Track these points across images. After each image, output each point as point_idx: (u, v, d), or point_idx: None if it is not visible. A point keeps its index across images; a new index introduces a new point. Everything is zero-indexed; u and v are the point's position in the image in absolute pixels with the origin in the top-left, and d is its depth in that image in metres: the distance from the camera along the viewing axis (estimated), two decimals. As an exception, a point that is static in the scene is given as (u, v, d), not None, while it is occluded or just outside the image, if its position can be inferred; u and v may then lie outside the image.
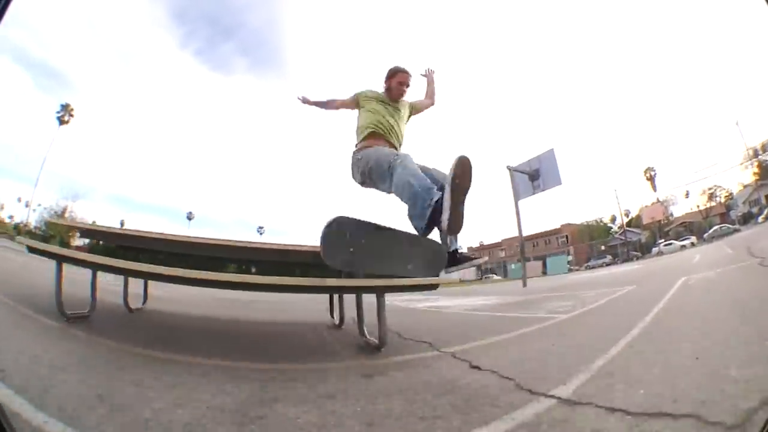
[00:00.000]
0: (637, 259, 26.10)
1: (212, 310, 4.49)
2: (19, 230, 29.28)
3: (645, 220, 31.51)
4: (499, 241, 44.88)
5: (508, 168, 11.93)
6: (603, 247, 32.07)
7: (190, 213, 39.31)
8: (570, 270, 28.66)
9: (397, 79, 2.96)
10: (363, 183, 2.79)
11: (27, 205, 30.44)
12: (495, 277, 35.58)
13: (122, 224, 32.78)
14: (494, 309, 5.48)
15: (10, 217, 31.31)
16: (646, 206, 33.01)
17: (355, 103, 2.96)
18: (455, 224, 1.99)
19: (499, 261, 41.63)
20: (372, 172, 2.57)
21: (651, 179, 33.78)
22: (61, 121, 33.56)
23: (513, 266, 34.12)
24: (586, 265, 29.57)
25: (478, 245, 46.21)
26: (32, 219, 30.46)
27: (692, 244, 21.99)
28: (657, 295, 4.16)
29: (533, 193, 12.94)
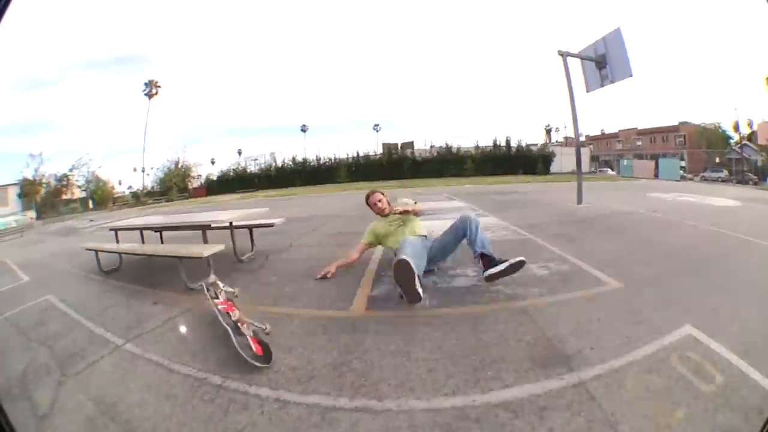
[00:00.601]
0: (754, 184, 21.08)
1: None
2: (137, 197, 36.76)
3: (761, 139, 24.19)
4: (616, 131, 42.24)
5: (561, 54, 10.09)
6: (718, 159, 26.51)
7: (304, 125, 42.96)
8: (683, 177, 24.62)
9: (371, 201, 3.66)
10: None
11: (143, 171, 37.49)
12: (610, 171, 33.17)
13: (240, 152, 38.16)
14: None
15: (129, 187, 39.23)
16: (765, 122, 25.11)
17: (368, 243, 3.57)
18: (411, 299, 2.66)
19: (617, 153, 39.09)
20: None
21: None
22: (150, 96, 38.57)
23: (625, 162, 30.98)
24: (702, 175, 25.31)
25: (600, 133, 43.84)
26: (147, 182, 37.56)
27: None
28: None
29: (601, 85, 10.91)
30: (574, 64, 11.14)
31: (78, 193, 34.04)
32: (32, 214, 26.80)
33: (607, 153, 42.77)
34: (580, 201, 8.64)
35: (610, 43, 9.99)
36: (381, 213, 3.64)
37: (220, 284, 2.55)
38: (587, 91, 11.20)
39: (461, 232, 3.08)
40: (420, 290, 2.63)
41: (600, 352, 2.08)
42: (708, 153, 27.64)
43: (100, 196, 35.33)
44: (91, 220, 18.72)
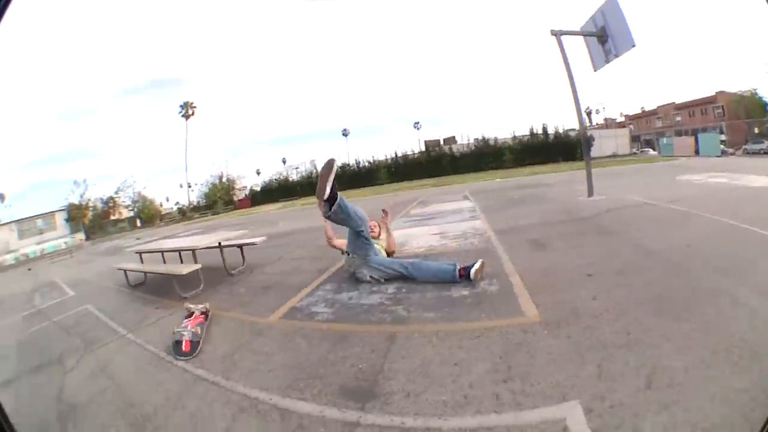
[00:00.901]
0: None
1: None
2: (183, 212, 39.76)
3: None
4: (655, 108, 41.31)
5: (554, 33, 9.84)
6: (757, 129, 24.30)
7: (345, 129, 44.79)
8: (724, 152, 22.79)
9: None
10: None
11: (189, 186, 40.81)
12: (651, 152, 31.86)
13: (284, 161, 40.16)
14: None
15: (177, 203, 42.55)
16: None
17: None
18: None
19: (657, 131, 37.97)
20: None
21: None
22: (186, 117, 41.64)
23: (665, 140, 29.61)
24: (744, 148, 23.52)
25: (639, 111, 43.35)
26: (193, 197, 40.70)
27: None
28: None
29: (607, 61, 10.60)
30: (578, 44, 10.83)
31: (126, 213, 37.67)
32: (81, 235, 30.07)
33: (648, 132, 40.58)
34: (590, 193, 8.11)
35: (607, 13, 9.63)
36: (374, 237, 4.24)
37: (192, 306, 3.48)
38: (594, 70, 10.88)
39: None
40: (328, 189, 3.33)
41: (413, 402, 1.81)
42: (748, 123, 25.67)
43: (147, 215, 38.76)
44: (138, 239, 20.77)
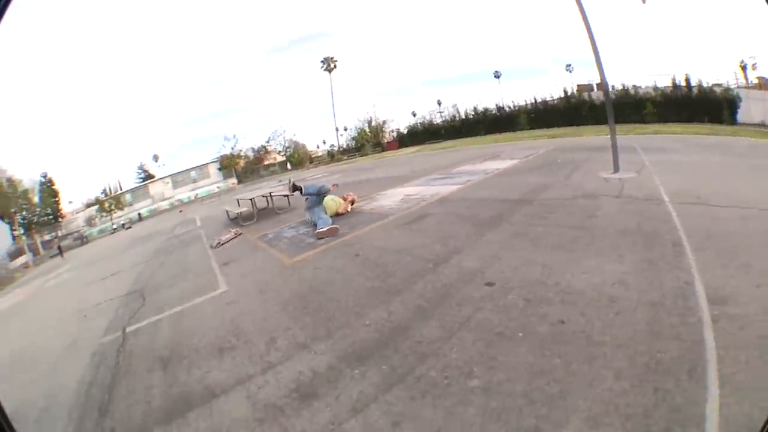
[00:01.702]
0: None
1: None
2: (331, 155, 46.69)
3: None
4: None
5: None
6: None
7: (497, 71, 46.23)
8: None
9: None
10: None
11: (337, 130, 48.03)
12: None
13: (439, 103, 44.20)
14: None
15: (332, 146, 49.75)
16: None
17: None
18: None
19: None
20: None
21: None
22: (329, 70, 47.37)
23: None
24: None
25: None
26: (342, 140, 48.01)
27: None
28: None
29: None
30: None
31: (279, 158, 46.45)
32: (234, 180, 39.34)
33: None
34: (616, 168, 7.00)
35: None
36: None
37: (234, 230, 7.44)
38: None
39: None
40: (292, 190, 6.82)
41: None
42: None
43: (297, 159, 47.08)
44: (280, 180, 27.16)
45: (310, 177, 19.63)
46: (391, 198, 8.12)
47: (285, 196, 9.20)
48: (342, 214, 7.11)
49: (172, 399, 2.52)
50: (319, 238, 5.71)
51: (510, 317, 2.54)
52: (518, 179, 7.87)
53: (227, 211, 10.33)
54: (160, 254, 8.49)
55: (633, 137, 13.92)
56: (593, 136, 15.66)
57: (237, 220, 9.22)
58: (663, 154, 9.23)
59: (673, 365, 1.85)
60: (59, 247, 21.66)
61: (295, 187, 6.56)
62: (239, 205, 10.44)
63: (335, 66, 47.31)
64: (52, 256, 21.61)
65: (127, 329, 4.07)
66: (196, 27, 67.44)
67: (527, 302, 2.72)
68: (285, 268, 4.75)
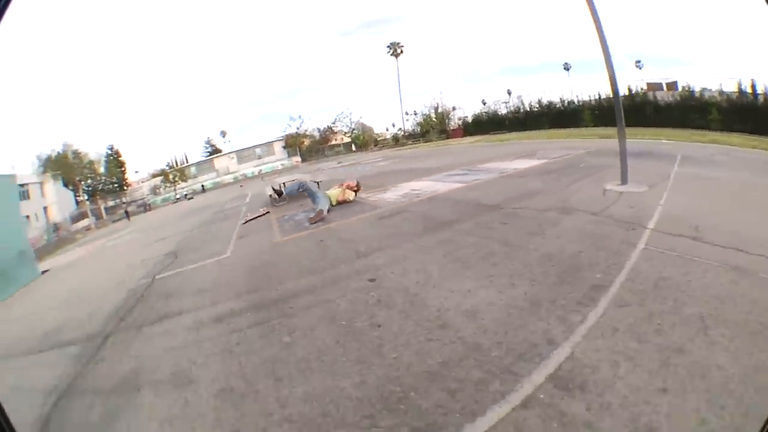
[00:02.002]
0: None
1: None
2: (396, 139, 47.98)
3: None
4: None
5: None
6: None
7: (567, 63, 44.95)
8: None
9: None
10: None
11: (406, 114, 49.42)
12: None
13: (509, 92, 44.16)
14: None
15: (400, 129, 51.08)
16: None
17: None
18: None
19: None
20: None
21: None
22: (395, 55, 48.06)
23: None
24: None
25: None
26: (408, 125, 49.07)
27: None
28: None
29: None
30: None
31: (345, 139, 48.62)
32: (298, 158, 41.87)
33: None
34: (624, 180, 6.75)
35: None
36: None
37: (263, 209, 9.09)
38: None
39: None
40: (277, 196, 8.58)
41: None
42: None
43: (362, 141, 49.02)
44: (339, 162, 28.96)
45: (327, 168, 21.61)
46: (397, 191, 9.18)
47: (274, 198, 10.62)
48: (343, 202, 8.39)
49: (161, 315, 4.17)
50: (312, 223, 7.10)
51: (355, 309, 3.35)
52: (521, 182, 8.08)
53: (272, 189, 11.97)
54: (202, 225, 10.60)
55: (687, 144, 12.92)
56: (646, 140, 14.76)
57: (272, 200, 11.02)
58: (701, 167, 8.40)
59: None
60: (126, 212, 25.50)
61: (279, 193, 8.03)
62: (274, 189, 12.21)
63: (401, 51, 47.70)
64: (114, 221, 25.26)
65: (156, 277, 5.88)
66: (275, 8, 71.25)
67: (378, 302, 3.40)
68: (273, 244, 6.24)
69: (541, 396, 1.97)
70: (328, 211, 7.71)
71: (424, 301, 3.24)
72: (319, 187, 8.93)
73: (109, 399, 2.75)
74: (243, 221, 8.88)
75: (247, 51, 68.48)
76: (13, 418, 1.57)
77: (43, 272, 9.86)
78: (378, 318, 3.08)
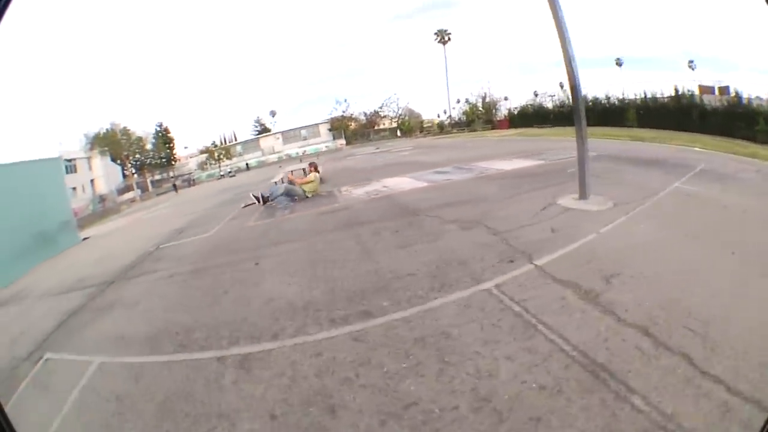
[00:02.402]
0: None
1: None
2: (441, 127, 48.21)
3: None
4: None
5: None
6: None
7: (619, 59, 43.11)
8: None
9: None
10: None
11: (458, 101, 50.48)
12: None
13: (562, 86, 42.96)
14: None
15: (449, 117, 51.19)
16: None
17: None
18: None
19: None
20: None
21: None
22: (443, 42, 47.94)
23: None
24: None
25: None
26: (455, 113, 49.38)
27: None
28: None
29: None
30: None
31: (392, 124, 49.43)
32: (342, 141, 43.11)
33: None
34: (583, 194, 6.14)
35: None
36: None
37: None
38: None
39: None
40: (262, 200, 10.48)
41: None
42: None
43: (407, 126, 49.73)
44: (377, 148, 30.19)
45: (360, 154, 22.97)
46: (369, 187, 10.62)
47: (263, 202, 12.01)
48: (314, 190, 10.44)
49: (146, 271, 6.42)
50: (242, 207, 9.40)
51: (239, 277, 5.29)
52: (481, 186, 8.39)
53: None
54: (219, 206, 12.86)
55: (719, 155, 11.73)
56: (675, 145, 14.14)
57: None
58: (714, 183, 7.05)
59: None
60: (174, 185, 28.99)
61: (264, 200, 10.10)
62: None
63: (449, 39, 47.24)
64: (159, 194, 28.00)
65: (160, 246, 8.28)
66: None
67: (235, 281, 5.11)
68: (244, 227, 8.36)
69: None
70: (296, 199, 9.93)
71: (259, 284, 4.85)
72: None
73: (102, 313, 5.01)
74: (243, 205, 10.91)
75: (302, 32, 70.78)
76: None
77: (84, 239, 12.01)
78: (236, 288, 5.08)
